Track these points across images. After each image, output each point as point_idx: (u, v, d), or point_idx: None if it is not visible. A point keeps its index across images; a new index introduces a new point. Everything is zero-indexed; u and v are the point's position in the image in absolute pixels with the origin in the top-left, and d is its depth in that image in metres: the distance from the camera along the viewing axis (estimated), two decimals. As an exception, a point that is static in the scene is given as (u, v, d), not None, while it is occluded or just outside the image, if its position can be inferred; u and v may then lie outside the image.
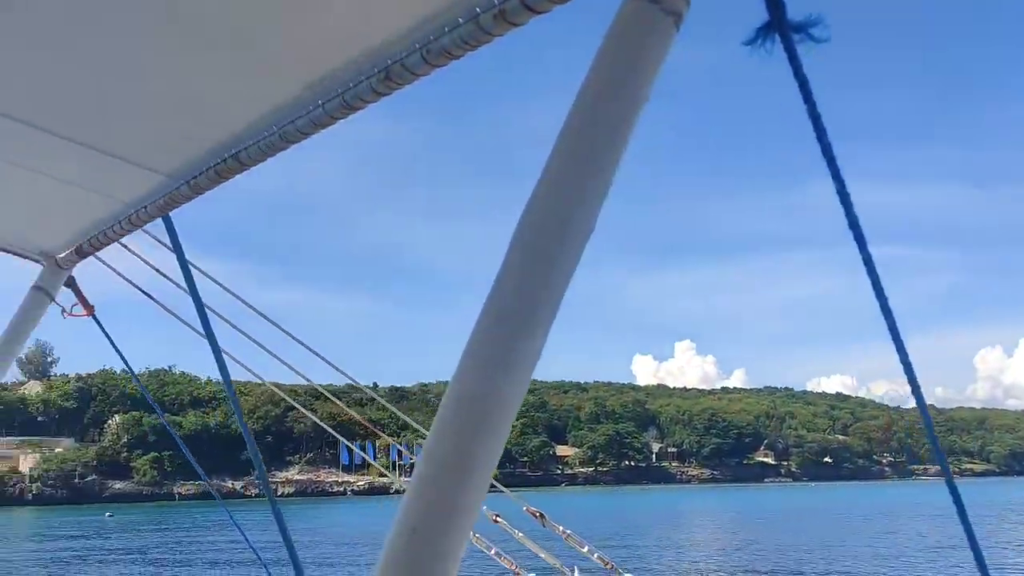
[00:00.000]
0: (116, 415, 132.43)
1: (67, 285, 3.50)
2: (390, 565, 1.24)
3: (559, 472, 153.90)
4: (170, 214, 3.00)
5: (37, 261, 3.45)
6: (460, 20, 1.60)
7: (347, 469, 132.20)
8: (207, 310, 3.63)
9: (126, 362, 4.05)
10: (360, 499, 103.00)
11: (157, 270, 3.95)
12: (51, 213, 3.17)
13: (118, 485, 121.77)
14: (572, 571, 4.64)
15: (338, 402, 5.58)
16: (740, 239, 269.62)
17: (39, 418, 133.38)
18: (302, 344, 4.41)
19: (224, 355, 3.67)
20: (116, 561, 43.26)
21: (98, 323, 3.73)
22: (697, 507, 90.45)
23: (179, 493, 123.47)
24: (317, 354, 4.56)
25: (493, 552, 4.60)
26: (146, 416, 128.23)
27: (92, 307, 3.65)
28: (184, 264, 3.56)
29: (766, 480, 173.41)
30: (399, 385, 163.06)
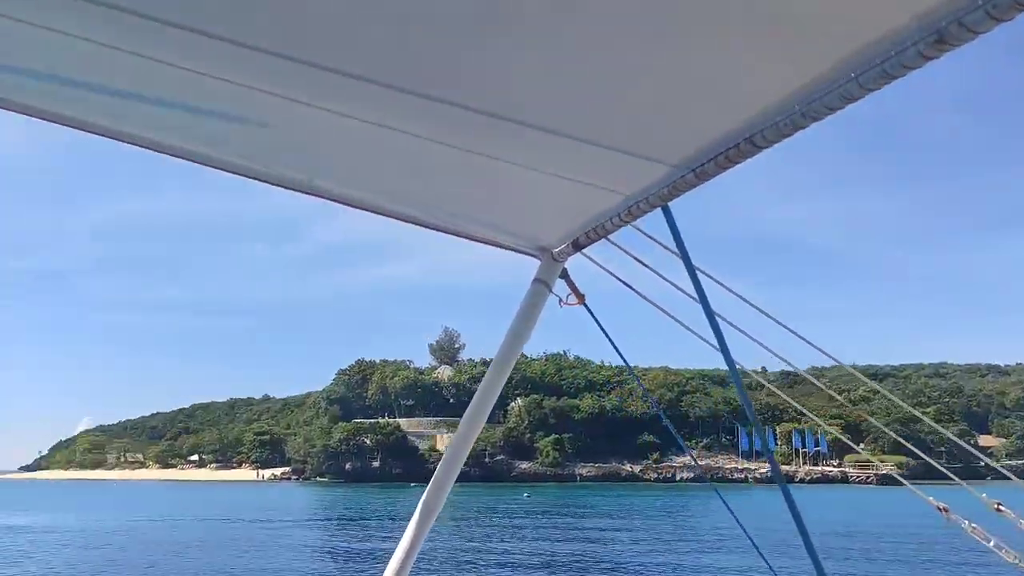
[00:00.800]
0: (518, 398, 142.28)
1: (560, 277, 3.65)
2: None
3: (982, 464, 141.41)
4: (669, 204, 2.91)
5: (535, 256, 3.61)
6: None
7: (747, 455, 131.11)
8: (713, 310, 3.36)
9: (616, 348, 4.03)
10: (765, 487, 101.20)
11: (643, 263, 3.79)
12: (550, 210, 3.26)
13: (523, 465, 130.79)
14: None
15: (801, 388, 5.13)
16: None
17: (450, 400, 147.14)
18: (790, 331, 4.00)
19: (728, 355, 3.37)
20: (580, 536, 45.16)
21: (589, 311, 3.79)
22: None
23: (580, 475, 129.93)
24: (805, 339, 4.14)
25: (992, 544, 4.23)
26: (546, 399, 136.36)
27: (583, 296, 3.73)
28: (686, 255, 3.35)
29: None
30: (790, 370, 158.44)
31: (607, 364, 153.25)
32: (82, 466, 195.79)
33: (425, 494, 3.50)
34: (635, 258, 3.79)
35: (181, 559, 34.25)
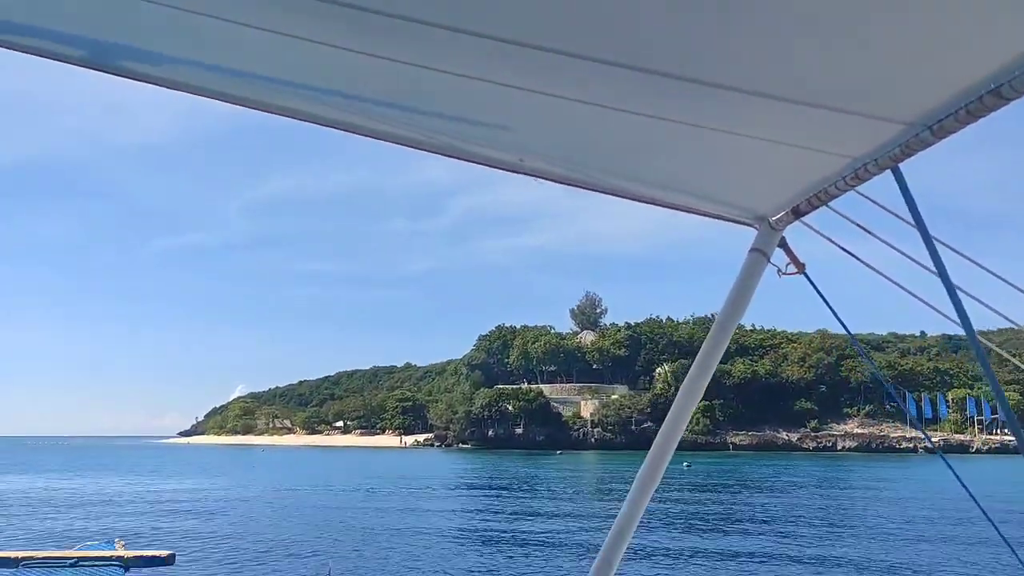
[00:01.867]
0: (664, 363, 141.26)
1: (779, 246, 3.60)
2: None
3: None
4: (899, 165, 2.76)
5: (751, 226, 3.58)
6: None
7: (914, 424, 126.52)
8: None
9: (838, 317, 3.92)
10: (935, 458, 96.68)
11: (868, 231, 3.65)
12: (768, 177, 3.21)
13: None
14: None
15: None
16: None
17: (594, 366, 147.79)
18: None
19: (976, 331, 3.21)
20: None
21: (810, 281, 3.73)
22: None
23: (732, 443, 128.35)
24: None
25: None
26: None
27: (803, 265, 3.68)
28: (921, 221, 3.19)
29: None
30: (951, 334, 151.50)
31: (759, 328, 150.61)
32: (234, 431, 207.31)
33: (643, 466, 3.58)
34: (860, 226, 3.67)
35: (336, 524, 35.47)
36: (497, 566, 25.16)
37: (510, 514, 40.00)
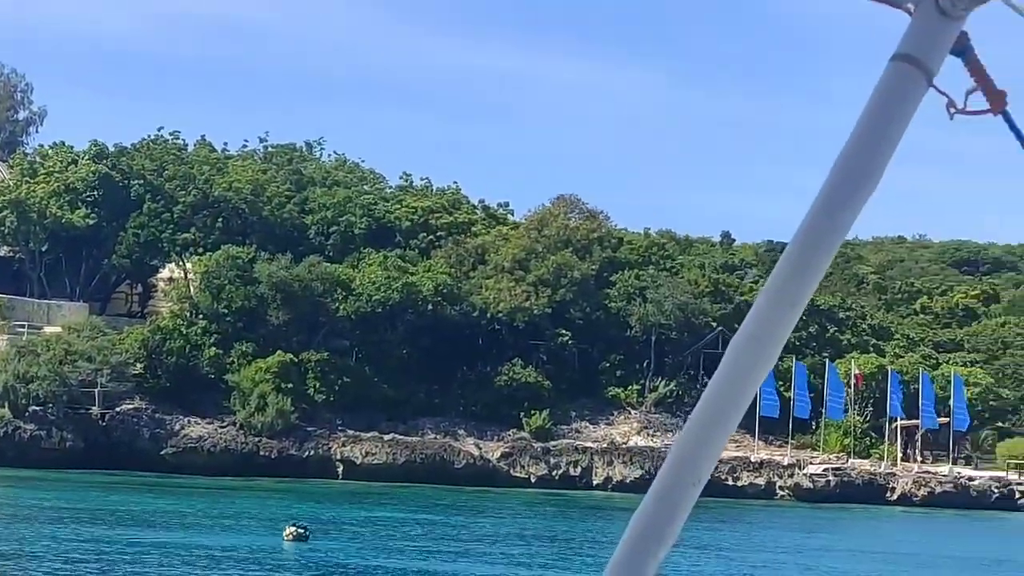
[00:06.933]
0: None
1: (956, 54, 2.33)
2: None
3: None
4: None
5: (901, 7, 2.32)
6: None
7: None
8: None
9: None
10: None
11: None
12: None
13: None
14: None
15: None
16: None
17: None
18: None
19: None
20: None
21: (1011, 124, 2.32)
22: None
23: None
24: None
25: None
26: None
27: (1003, 95, 2.26)
28: None
29: None
30: None
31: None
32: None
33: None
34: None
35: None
36: None
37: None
